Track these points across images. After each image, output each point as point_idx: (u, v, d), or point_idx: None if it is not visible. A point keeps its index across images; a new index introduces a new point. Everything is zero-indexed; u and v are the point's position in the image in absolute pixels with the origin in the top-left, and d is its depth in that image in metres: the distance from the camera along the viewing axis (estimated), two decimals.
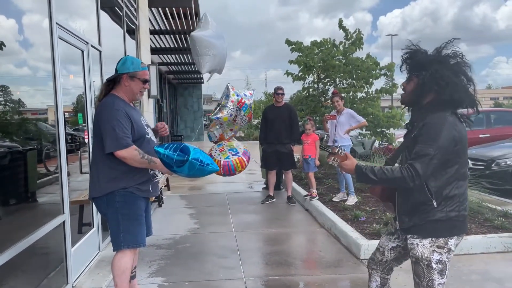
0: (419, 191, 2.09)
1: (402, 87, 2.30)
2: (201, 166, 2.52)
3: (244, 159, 3.64)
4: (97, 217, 4.28)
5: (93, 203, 2.93)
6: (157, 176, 2.87)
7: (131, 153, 2.63)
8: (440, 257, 2.10)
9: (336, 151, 2.26)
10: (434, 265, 2.10)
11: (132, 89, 2.83)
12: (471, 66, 2.17)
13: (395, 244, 2.36)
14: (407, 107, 2.33)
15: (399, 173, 2.04)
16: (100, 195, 2.72)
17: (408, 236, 2.19)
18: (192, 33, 3.87)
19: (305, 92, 9.17)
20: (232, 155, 3.58)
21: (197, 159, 2.50)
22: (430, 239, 2.11)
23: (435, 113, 2.10)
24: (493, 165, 7.34)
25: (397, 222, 2.28)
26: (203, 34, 3.78)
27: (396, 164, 2.38)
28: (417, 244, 2.13)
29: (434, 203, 2.07)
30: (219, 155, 3.61)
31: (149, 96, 7.27)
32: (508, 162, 7.23)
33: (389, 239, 2.41)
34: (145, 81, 2.84)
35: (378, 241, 4.17)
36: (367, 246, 4.07)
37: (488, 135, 9.73)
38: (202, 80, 22.95)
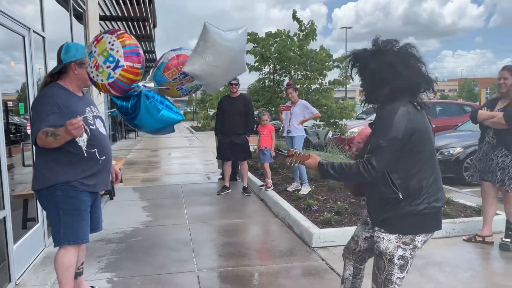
0: (384, 185, 2.08)
1: (361, 88, 2.30)
2: (155, 104, 2.49)
3: (130, 64, 2.75)
4: (42, 211, 4.09)
5: (35, 195, 2.78)
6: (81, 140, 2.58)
7: (39, 137, 2.46)
8: (404, 253, 2.10)
9: (293, 153, 2.31)
10: (396, 260, 2.11)
11: (82, 76, 2.73)
12: (416, 47, 2.13)
13: (369, 235, 2.36)
14: (372, 105, 2.31)
15: (356, 168, 2.07)
16: (41, 187, 2.59)
17: (376, 228, 2.20)
18: (207, 24, 3.08)
19: (261, 83, 9.19)
20: (112, 68, 2.71)
21: (148, 95, 2.48)
22: (397, 234, 2.11)
23: (387, 105, 2.10)
24: (437, 154, 7.71)
25: (368, 219, 2.31)
26: (219, 33, 3.07)
27: None
28: (383, 238, 2.13)
29: (400, 195, 2.05)
30: (97, 75, 2.74)
31: None
32: (451, 152, 7.63)
33: (363, 228, 2.42)
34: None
35: (330, 229, 4.31)
36: (319, 235, 4.16)
37: (434, 126, 10.16)
38: None
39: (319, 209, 5.01)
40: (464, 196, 5.79)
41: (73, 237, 2.65)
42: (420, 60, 2.12)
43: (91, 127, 2.69)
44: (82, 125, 2.33)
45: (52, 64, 4.34)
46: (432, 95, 2.18)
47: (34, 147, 3.79)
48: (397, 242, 2.10)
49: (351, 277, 2.50)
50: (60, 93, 2.65)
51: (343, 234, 4.17)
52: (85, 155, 2.61)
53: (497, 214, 4.41)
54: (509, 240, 4.00)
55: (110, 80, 2.79)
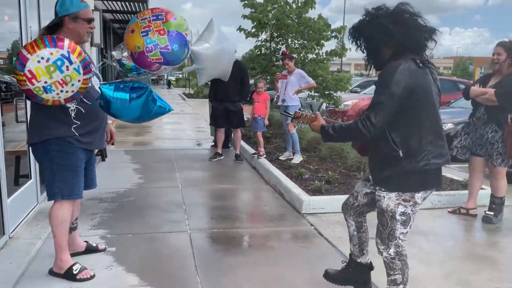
0: (385, 143, 2.12)
1: (365, 61, 2.34)
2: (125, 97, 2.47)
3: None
4: (35, 168, 4.10)
5: (30, 150, 2.78)
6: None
7: None
8: (405, 210, 2.18)
9: (299, 115, 2.35)
10: (398, 217, 2.19)
11: (77, 32, 2.66)
12: (410, 3, 2.16)
13: (369, 191, 2.44)
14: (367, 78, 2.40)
15: (355, 124, 2.10)
16: (37, 141, 2.59)
17: (377, 188, 2.27)
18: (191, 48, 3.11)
19: (257, 50, 9.08)
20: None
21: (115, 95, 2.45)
22: (396, 192, 2.17)
23: (389, 63, 2.13)
24: None
25: (370, 177, 2.38)
26: (199, 49, 3.10)
27: None
28: (384, 196, 2.21)
29: (400, 153, 2.09)
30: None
31: (91, 45, 6.87)
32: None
33: (364, 184, 2.50)
34: (90, 20, 2.67)
35: (319, 197, 4.40)
36: (309, 202, 4.25)
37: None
38: None
39: (310, 178, 5.09)
40: (452, 171, 5.92)
41: (67, 192, 2.68)
42: (415, 14, 2.15)
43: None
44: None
45: (46, 22, 4.25)
46: (432, 44, 2.19)
47: (27, 102, 3.77)
48: (397, 200, 2.18)
49: (355, 232, 2.58)
50: None
51: (332, 202, 4.28)
52: (83, 111, 2.60)
53: (482, 189, 4.53)
54: (492, 213, 4.13)
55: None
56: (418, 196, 2.19)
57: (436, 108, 2.18)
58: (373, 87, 9.43)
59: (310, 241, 3.58)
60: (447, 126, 7.69)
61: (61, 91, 2.34)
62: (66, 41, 2.35)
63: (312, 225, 3.94)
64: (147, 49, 2.49)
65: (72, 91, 2.38)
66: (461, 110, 8.12)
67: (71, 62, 2.32)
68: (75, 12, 2.61)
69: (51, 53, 2.29)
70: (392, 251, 2.26)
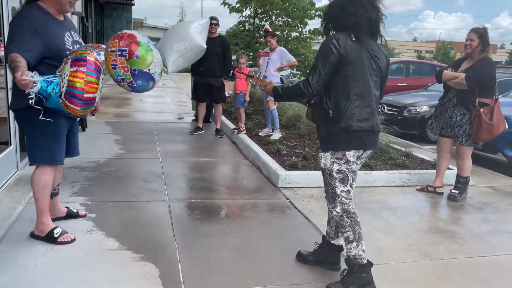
0: (321, 104, 2.45)
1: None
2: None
3: (68, 103, 2.48)
4: (14, 135, 4.11)
5: (14, 115, 2.82)
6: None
7: (8, 60, 2.44)
8: (340, 167, 2.42)
9: (252, 74, 2.70)
10: (335, 174, 2.44)
11: (59, 0, 2.67)
12: None
13: None
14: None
15: (298, 85, 2.44)
16: (20, 107, 2.63)
17: (319, 151, 2.55)
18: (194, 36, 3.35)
19: (241, 26, 9.06)
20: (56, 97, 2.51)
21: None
22: (330, 152, 2.45)
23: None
24: (405, 111, 8.04)
25: (317, 138, 2.65)
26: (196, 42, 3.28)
27: None
28: (322, 156, 2.49)
29: (330, 112, 2.38)
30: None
31: (73, 13, 6.74)
32: (418, 110, 7.96)
33: None
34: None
35: (295, 172, 4.56)
36: (285, 176, 4.41)
37: (406, 84, 10.50)
38: (133, 2, 21.41)
39: (287, 154, 5.24)
40: (424, 152, 6.17)
41: (48, 158, 2.75)
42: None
43: (68, 52, 2.69)
44: (30, 82, 2.34)
45: None
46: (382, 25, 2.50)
47: (7, 69, 3.75)
48: (331, 158, 2.45)
49: None
50: (38, 14, 2.61)
51: (307, 176, 4.45)
52: None
53: (449, 169, 4.77)
54: (457, 191, 4.37)
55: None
56: (350, 154, 2.42)
57: (368, 79, 2.41)
58: None
59: (284, 213, 3.75)
60: (423, 108, 7.94)
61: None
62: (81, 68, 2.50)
63: (287, 198, 4.11)
64: (117, 80, 2.72)
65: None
66: (438, 94, 8.35)
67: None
68: None
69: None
70: (339, 208, 2.48)
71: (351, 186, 2.48)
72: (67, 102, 2.46)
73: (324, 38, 2.55)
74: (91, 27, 15.80)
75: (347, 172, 2.44)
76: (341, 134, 2.39)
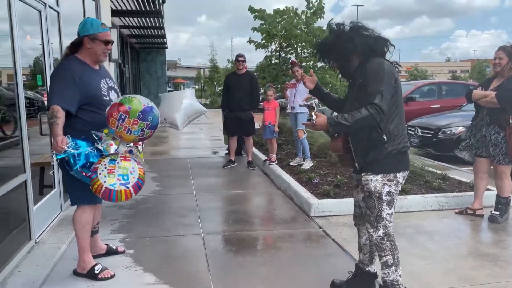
0: (371, 129, 2.38)
1: (336, 70, 2.70)
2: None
3: (132, 192, 2.78)
4: (58, 178, 4.37)
5: (55, 160, 3.04)
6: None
7: (49, 112, 2.70)
8: (390, 189, 2.43)
9: (314, 106, 2.58)
10: (384, 197, 2.44)
11: (94, 51, 2.91)
12: (361, 22, 2.51)
13: (364, 195, 2.61)
14: (348, 80, 2.66)
15: (366, 112, 2.29)
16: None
17: (363, 174, 2.49)
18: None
19: (268, 60, 9.31)
20: (120, 184, 2.74)
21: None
22: (382, 174, 2.42)
23: (370, 61, 2.41)
24: (439, 133, 7.87)
25: (356, 164, 2.55)
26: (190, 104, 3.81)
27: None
28: (371, 179, 2.45)
29: (384, 137, 2.37)
30: (105, 176, 2.72)
31: (109, 60, 7.20)
32: (453, 131, 7.78)
33: (357, 192, 2.71)
34: (107, 42, 2.92)
35: (328, 200, 4.55)
36: (317, 205, 4.41)
37: (439, 106, 10.30)
38: (166, 45, 22.47)
39: (319, 182, 5.24)
40: (461, 173, 5.99)
41: (87, 199, 2.92)
42: (369, 29, 2.49)
43: (104, 98, 2.92)
44: (64, 149, 2.63)
45: (66, 39, 4.55)
46: (392, 48, 2.51)
47: None
48: (383, 181, 2.43)
49: (368, 241, 2.72)
50: (76, 65, 2.86)
51: (340, 204, 4.43)
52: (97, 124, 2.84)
53: (489, 190, 4.61)
54: (498, 213, 4.21)
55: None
56: (400, 175, 2.45)
57: (402, 100, 2.48)
58: None
59: (317, 242, 3.74)
60: (458, 129, 7.75)
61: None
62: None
63: (320, 227, 4.09)
64: (140, 135, 2.82)
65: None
66: (472, 114, 8.15)
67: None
68: (94, 33, 2.87)
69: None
70: (381, 232, 2.47)
71: (394, 208, 2.50)
72: (132, 191, 2.78)
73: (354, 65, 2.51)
74: (128, 72, 16.66)
75: (394, 194, 2.47)
76: (393, 155, 2.41)
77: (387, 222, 2.47)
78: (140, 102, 2.79)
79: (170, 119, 4.12)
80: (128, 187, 2.75)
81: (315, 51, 2.72)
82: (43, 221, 3.87)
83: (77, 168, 2.78)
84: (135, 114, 2.73)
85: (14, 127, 3.56)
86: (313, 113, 2.48)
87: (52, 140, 2.65)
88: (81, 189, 2.89)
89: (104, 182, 2.69)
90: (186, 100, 4.36)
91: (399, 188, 2.49)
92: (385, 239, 2.47)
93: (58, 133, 2.63)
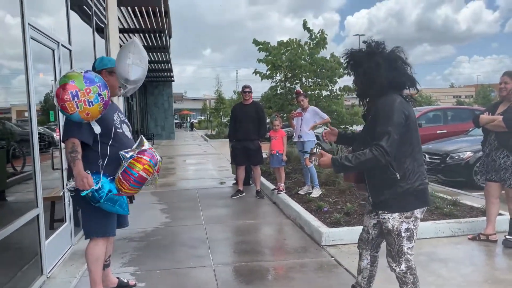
0: (383, 167, 2.35)
1: (353, 84, 2.66)
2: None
3: (121, 178, 2.76)
4: (69, 212, 4.40)
5: (70, 194, 3.08)
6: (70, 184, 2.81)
7: (66, 144, 2.78)
8: (408, 226, 2.42)
9: (314, 151, 2.54)
10: (403, 234, 2.43)
11: (112, 84, 3.02)
12: (404, 50, 2.46)
13: (376, 221, 2.63)
14: (363, 100, 2.64)
15: (371, 154, 2.29)
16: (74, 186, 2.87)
17: (380, 212, 2.49)
18: (135, 40, 3.52)
19: (273, 90, 9.46)
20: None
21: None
22: (399, 212, 2.41)
23: (383, 97, 2.41)
24: (447, 158, 7.85)
25: (370, 198, 2.58)
26: (139, 45, 3.48)
27: None
28: (388, 218, 2.44)
29: (397, 175, 2.35)
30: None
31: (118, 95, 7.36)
32: (461, 156, 7.75)
33: (369, 217, 2.70)
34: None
35: (338, 228, 4.52)
36: (328, 234, 4.38)
37: (445, 131, 10.32)
38: (173, 79, 22.91)
39: (329, 211, 5.21)
40: (472, 199, 5.93)
41: (101, 231, 2.95)
42: (406, 62, 2.46)
43: (117, 130, 2.99)
44: (88, 188, 2.71)
45: None
46: (414, 91, 2.51)
47: (62, 151, 4.10)
48: (400, 218, 2.41)
49: (369, 266, 2.74)
50: None
51: (351, 232, 4.39)
52: (114, 155, 2.90)
53: (501, 214, 4.56)
54: None
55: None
56: (417, 211, 2.42)
57: (419, 136, 2.45)
58: None
59: (330, 271, 3.69)
60: (466, 154, 7.73)
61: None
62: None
63: (332, 256, 4.05)
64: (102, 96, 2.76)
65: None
66: (480, 138, 8.15)
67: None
68: (112, 67, 2.99)
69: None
70: (403, 266, 2.46)
71: (415, 241, 2.47)
72: (121, 178, 2.75)
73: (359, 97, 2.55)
74: (135, 105, 16.94)
75: (414, 230, 2.44)
76: (410, 193, 2.37)
77: (408, 256, 2.46)
78: (76, 72, 2.73)
79: (123, 72, 3.64)
80: (118, 174, 2.75)
81: (344, 57, 2.58)
82: (55, 255, 3.88)
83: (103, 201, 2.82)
84: (81, 83, 2.66)
85: (23, 163, 3.63)
86: (313, 159, 2.51)
87: (76, 176, 2.71)
88: (96, 221, 2.92)
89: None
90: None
91: (418, 223, 2.46)
92: (408, 273, 2.47)
93: (82, 170, 2.71)
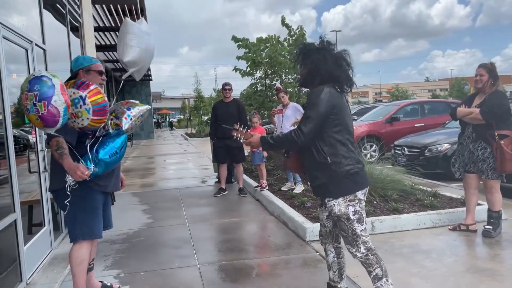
0: (317, 152, 2.54)
1: (299, 71, 2.83)
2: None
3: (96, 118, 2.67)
4: (48, 216, 4.28)
5: (52, 196, 2.99)
6: (69, 179, 2.72)
7: (51, 144, 2.70)
8: (355, 209, 2.54)
9: (237, 127, 2.74)
10: (352, 217, 2.54)
11: (92, 82, 2.92)
12: (350, 54, 2.66)
13: (328, 213, 2.75)
14: (303, 88, 2.84)
15: (289, 134, 2.54)
16: (58, 188, 2.79)
17: (326, 200, 2.60)
18: (127, 19, 3.35)
19: (253, 87, 9.43)
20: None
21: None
22: (342, 197, 2.53)
23: (317, 87, 2.58)
24: (426, 151, 8.00)
25: (309, 183, 2.72)
26: (136, 25, 3.28)
27: None
28: (334, 204, 2.56)
29: (328, 159, 2.49)
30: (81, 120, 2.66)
31: None
32: (439, 148, 7.91)
33: (322, 211, 2.82)
34: (101, 73, 2.95)
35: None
36: (312, 229, 4.39)
37: (423, 124, 10.51)
38: (151, 77, 22.62)
39: (312, 206, 5.23)
40: (451, 190, 6.06)
41: (88, 233, 2.87)
42: (349, 64, 2.65)
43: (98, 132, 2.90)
44: (89, 173, 2.65)
45: None
46: (349, 90, 2.69)
47: (39, 153, 4.00)
48: (345, 203, 2.54)
49: (335, 258, 2.85)
50: None
51: None
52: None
53: (480, 204, 4.66)
54: (490, 227, 4.25)
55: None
56: (359, 193, 2.55)
57: (350, 124, 2.62)
58: (370, 113, 9.93)
59: (315, 266, 3.70)
60: (444, 146, 7.89)
61: (73, 121, 2.67)
62: (90, 87, 2.68)
63: (316, 251, 4.06)
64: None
65: (82, 124, 2.67)
66: (456, 130, 8.32)
67: (84, 103, 2.64)
68: (88, 65, 2.90)
69: (74, 92, 2.65)
70: (362, 248, 2.56)
71: (365, 223, 2.59)
72: (97, 118, 2.66)
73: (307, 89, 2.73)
74: (112, 105, 16.63)
75: (361, 211, 2.56)
76: (345, 177, 2.51)
77: (364, 237, 2.56)
78: (31, 74, 2.57)
79: (119, 53, 3.42)
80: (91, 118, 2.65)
81: (298, 49, 2.78)
82: (34, 261, 3.77)
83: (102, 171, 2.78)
84: (24, 87, 2.49)
85: None
86: (235, 134, 2.73)
87: (68, 171, 2.63)
88: (82, 223, 2.83)
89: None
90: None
91: (363, 204, 2.59)
92: (369, 254, 2.56)
93: (72, 163, 2.63)
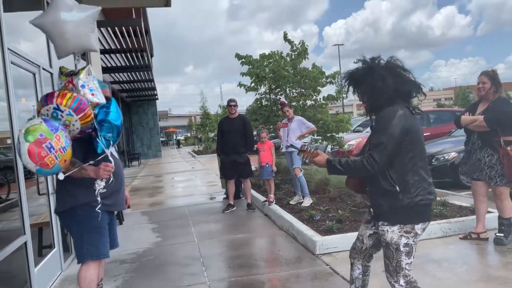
0: (384, 179, 2.35)
1: (362, 102, 2.60)
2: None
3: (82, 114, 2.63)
4: (57, 237, 4.31)
5: (58, 218, 3.02)
6: (99, 184, 2.82)
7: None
8: (407, 241, 2.34)
9: (305, 149, 2.55)
10: (402, 248, 2.35)
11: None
12: (400, 59, 2.46)
13: (372, 232, 2.59)
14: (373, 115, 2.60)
15: (360, 162, 2.33)
16: (63, 209, 2.83)
17: (379, 223, 2.44)
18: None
19: (258, 102, 9.49)
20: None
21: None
22: (398, 225, 2.35)
23: (386, 109, 2.39)
24: (433, 160, 7.95)
25: (371, 209, 2.56)
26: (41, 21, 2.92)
27: None
28: (387, 230, 2.38)
29: (397, 188, 2.30)
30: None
31: None
32: (446, 157, 7.87)
33: (366, 227, 2.65)
34: (107, 99, 3.00)
35: (332, 236, 4.51)
36: (322, 242, 4.37)
37: (429, 134, 10.48)
38: (157, 97, 22.86)
39: (321, 219, 5.22)
40: (460, 198, 6.00)
41: (95, 253, 2.88)
42: (405, 69, 2.46)
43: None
44: (112, 169, 2.73)
45: None
46: (422, 97, 2.48)
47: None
48: (399, 232, 2.35)
49: (361, 276, 2.69)
50: None
51: (344, 240, 4.38)
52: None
53: (490, 212, 4.62)
54: (502, 234, 4.20)
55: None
56: (418, 227, 2.36)
57: (424, 150, 2.42)
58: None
59: (326, 280, 3.68)
60: (451, 155, 7.85)
61: (69, 132, 2.64)
62: (55, 95, 2.64)
63: (327, 264, 4.04)
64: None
65: (77, 128, 2.68)
66: (463, 139, 8.28)
67: (61, 110, 2.62)
68: None
69: (47, 109, 2.62)
70: (402, 281, 2.39)
71: (413, 257, 2.42)
72: (82, 114, 2.64)
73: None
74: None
75: (413, 245, 2.38)
76: (411, 207, 2.32)
77: (406, 271, 2.39)
78: (35, 123, 2.53)
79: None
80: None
81: (344, 80, 2.58)
82: (45, 282, 3.78)
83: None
84: (50, 132, 2.51)
85: (8, 190, 3.56)
86: (302, 155, 2.53)
87: (96, 175, 2.74)
88: (88, 243, 2.85)
89: None
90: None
91: (418, 239, 2.40)
92: (409, 287, 2.41)
93: (93, 167, 2.72)
